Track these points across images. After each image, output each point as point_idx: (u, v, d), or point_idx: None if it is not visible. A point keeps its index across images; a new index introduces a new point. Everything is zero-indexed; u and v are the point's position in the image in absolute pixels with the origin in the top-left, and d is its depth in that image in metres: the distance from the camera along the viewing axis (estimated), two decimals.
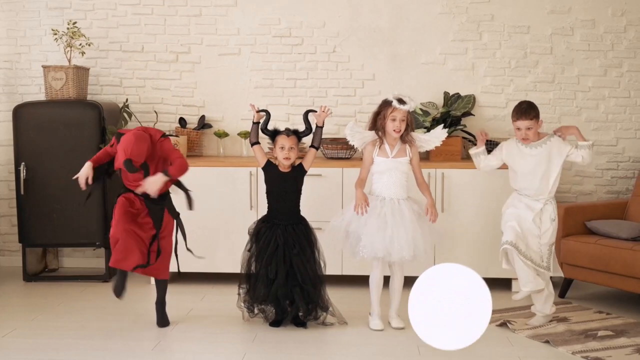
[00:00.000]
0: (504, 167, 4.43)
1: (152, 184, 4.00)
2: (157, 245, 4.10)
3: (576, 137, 4.22)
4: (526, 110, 4.16)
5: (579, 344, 3.91)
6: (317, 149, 4.32)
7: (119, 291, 4.04)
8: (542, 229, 4.18)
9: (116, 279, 4.05)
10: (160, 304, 4.28)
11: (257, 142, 4.29)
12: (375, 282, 4.24)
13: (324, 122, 4.30)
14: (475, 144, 5.31)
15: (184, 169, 4.11)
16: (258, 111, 4.27)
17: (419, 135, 4.32)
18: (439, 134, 4.29)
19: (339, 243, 4.23)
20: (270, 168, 4.27)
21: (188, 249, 4.27)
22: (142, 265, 4.02)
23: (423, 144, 4.29)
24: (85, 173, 4.06)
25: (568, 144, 4.22)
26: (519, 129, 4.19)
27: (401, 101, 4.11)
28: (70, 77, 5.27)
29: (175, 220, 4.24)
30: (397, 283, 4.25)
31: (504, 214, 4.28)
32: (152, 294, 4.72)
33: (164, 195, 4.20)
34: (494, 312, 4.50)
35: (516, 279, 4.28)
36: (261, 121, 4.27)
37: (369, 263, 4.27)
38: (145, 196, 4.09)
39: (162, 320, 4.26)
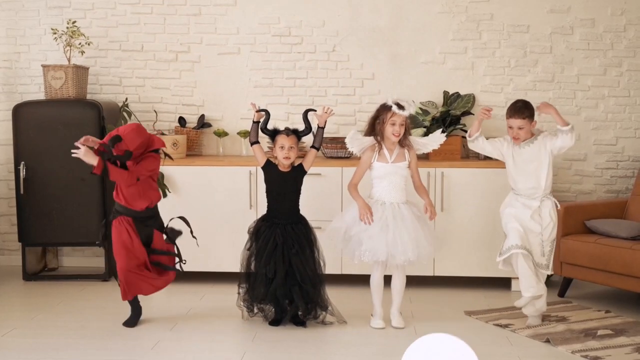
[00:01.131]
0: (502, 165, 4.42)
1: (83, 154, 3.98)
2: (156, 260, 4.24)
3: (554, 118, 4.14)
4: (520, 110, 4.13)
5: (579, 343, 3.91)
6: (317, 149, 4.31)
7: (129, 325, 4.24)
8: (543, 224, 4.17)
9: (130, 315, 4.26)
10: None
11: (257, 142, 4.28)
12: (376, 283, 4.24)
13: (325, 123, 4.29)
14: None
15: (121, 178, 4.05)
16: (258, 110, 4.27)
17: (417, 139, 4.32)
18: (438, 137, 4.29)
19: (339, 245, 4.22)
20: (270, 167, 4.27)
21: (194, 237, 4.42)
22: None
23: (421, 147, 4.29)
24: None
25: (549, 137, 4.16)
26: (511, 127, 4.18)
27: (400, 106, 4.10)
28: (70, 77, 5.27)
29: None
30: (398, 283, 4.24)
31: (503, 214, 4.27)
32: (151, 294, 4.72)
33: (153, 217, 4.24)
34: (493, 310, 4.51)
35: (516, 278, 4.27)
36: (261, 120, 4.27)
37: (369, 263, 4.26)
38: (134, 217, 4.15)
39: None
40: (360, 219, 4.08)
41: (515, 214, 4.18)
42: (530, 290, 4.08)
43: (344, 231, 4.18)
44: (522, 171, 4.19)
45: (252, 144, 4.29)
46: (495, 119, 5.43)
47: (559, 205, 4.26)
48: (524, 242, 4.10)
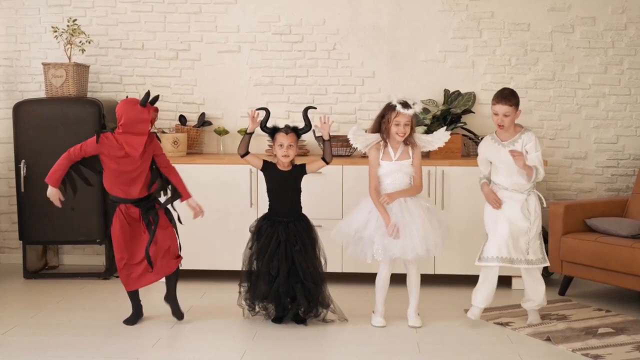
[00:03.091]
0: None
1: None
2: (152, 247, 4.16)
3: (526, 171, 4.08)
4: (507, 97, 4.08)
5: (579, 342, 3.92)
6: (327, 163, 4.28)
7: (129, 324, 4.24)
8: (532, 219, 4.13)
9: (131, 314, 4.27)
10: (172, 299, 4.29)
11: (247, 153, 4.24)
12: (382, 281, 4.23)
13: (329, 134, 4.26)
14: (475, 141, 5.31)
15: (178, 174, 4.31)
16: (257, 109, 4.25)
17: (422, 136, 4.31)
18: (442, 135, 4.26)
19: (348, 247, 4.21)
20: (269, 168, 4.25)
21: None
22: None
23: (426, 145, 4.27)
24: (54, 196, 4.12)
25: (535, 148, 4.09)
26: (496, 113, 4.12)
27: (405, 105, 4.09)
28: (70, 75, 5.27)
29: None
30: (414, 281, 4.22)
31: (486, 212, 4.20)
32: (152, 292, 4.71)
33: (150, 196, 4.22)
34: (493, 309, 4.51)
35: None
36: (261, 119, 4.25)
37: (375, 262, 4.23)
38: (136, 203, 4.13)
39: (178, 313, 4.30)
40: (389, 234, 4.06)
41: (503, 216, 4.11)
42: (486, 302, 4.15)
43: (354, 232, 4.17)
44: (506, 167, 4.10)
45: (242, 156, 4.24)
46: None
47: (544, 201, 4.22)
48: (509, 253, 4.07)
